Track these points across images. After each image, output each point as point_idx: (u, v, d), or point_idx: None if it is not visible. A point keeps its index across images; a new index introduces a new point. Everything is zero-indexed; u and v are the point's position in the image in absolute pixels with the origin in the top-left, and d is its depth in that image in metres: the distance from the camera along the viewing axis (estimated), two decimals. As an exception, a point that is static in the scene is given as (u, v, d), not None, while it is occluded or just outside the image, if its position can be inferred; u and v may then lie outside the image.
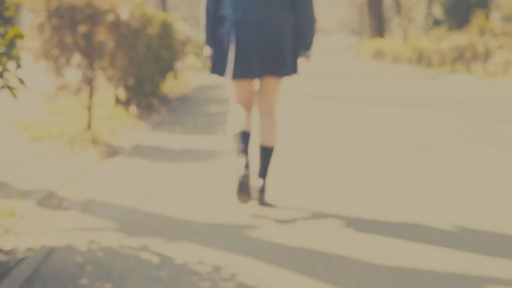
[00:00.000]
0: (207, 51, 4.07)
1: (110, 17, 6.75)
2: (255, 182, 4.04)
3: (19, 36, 3.23)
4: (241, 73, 3.91)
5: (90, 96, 6.90)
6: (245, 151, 3.86)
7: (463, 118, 8.54)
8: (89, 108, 6.90)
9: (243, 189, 3.78)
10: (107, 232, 3.61)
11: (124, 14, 6.98)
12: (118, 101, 8.84)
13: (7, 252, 3.27)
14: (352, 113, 9.19)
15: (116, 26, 6.87)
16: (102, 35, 6.75)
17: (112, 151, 6.11)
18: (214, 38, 3.99)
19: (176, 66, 14.32)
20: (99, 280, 2.89)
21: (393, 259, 3.20)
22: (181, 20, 16.32)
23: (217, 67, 4.02)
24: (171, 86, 13.02)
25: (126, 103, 8.87)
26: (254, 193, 4.02)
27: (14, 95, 3.27)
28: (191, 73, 18.73)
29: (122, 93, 8.92)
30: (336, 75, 19.33)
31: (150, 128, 7.61)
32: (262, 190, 4.01)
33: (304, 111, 9.38)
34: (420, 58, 21.49)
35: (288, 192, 4.51)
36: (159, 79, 10.40)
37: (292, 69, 4.01)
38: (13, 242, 3.44)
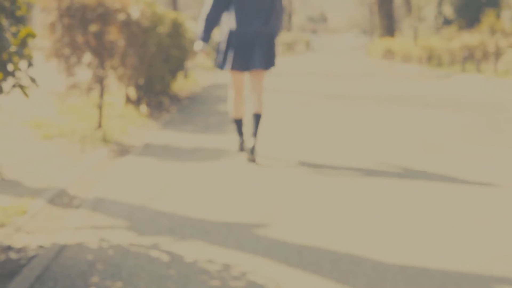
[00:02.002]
0: (199, 45, 5.56)
1: (121, 16, 6.77)
2: (248, 142, 5.46)
3: (31, 35, 3.25)
4: (236, 67, 5.47)
5: (101, 95, 6.93)
6: (240, 132, 5.74)
7: (474, 117, 8.51)
8: (100, 107, 6.92)
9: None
10: (118, 230, 3.62)
11: (135, 13, 7.00)
12: (128, 100, 8.86)
13: (19, 250, 3.29)
14: (363, 112, 9.17)
15: (127, 25, 6.89)
16: (113, 34, 6.77)
17: (123, 150, 6.13)
18: (208, 36, 5.57)
19: (187, 65, 14.33)
20: (109, 278, 2.91)
21: (404, 258, 3.19)
22: (191, 19, 16.32)
23: (220, 64, 5.56)
24: (181, 85, 13.04)
25: (137, 102, 8.89)
26: (248, 152, 5.44)
27: (26, 94, 3.29)
28: (201, 72, 18.74)
29: (132, 92, 8.94)
30: (347, 74, 19.31)
31: (160, 127, 7.63)
32: (253, 148, 5.40)
33: (315, 110, 9.38)
34: (430, 58, 21.44)
35: (296, 189, 4.51)
36: (169, 78, 10.41)
37: (270, 64, 5.54)
38: (24, 240, 3.46)
